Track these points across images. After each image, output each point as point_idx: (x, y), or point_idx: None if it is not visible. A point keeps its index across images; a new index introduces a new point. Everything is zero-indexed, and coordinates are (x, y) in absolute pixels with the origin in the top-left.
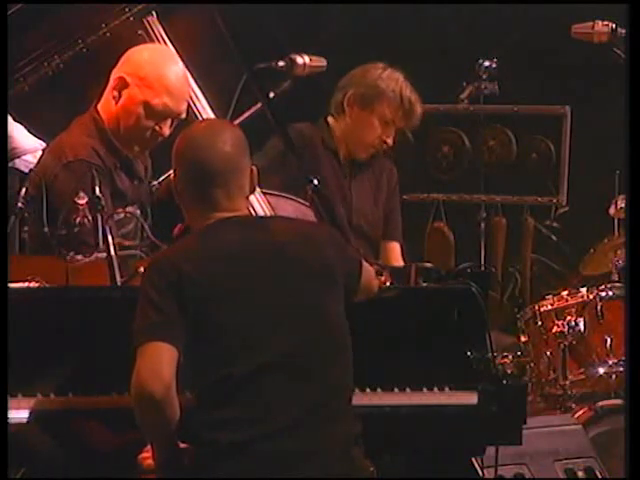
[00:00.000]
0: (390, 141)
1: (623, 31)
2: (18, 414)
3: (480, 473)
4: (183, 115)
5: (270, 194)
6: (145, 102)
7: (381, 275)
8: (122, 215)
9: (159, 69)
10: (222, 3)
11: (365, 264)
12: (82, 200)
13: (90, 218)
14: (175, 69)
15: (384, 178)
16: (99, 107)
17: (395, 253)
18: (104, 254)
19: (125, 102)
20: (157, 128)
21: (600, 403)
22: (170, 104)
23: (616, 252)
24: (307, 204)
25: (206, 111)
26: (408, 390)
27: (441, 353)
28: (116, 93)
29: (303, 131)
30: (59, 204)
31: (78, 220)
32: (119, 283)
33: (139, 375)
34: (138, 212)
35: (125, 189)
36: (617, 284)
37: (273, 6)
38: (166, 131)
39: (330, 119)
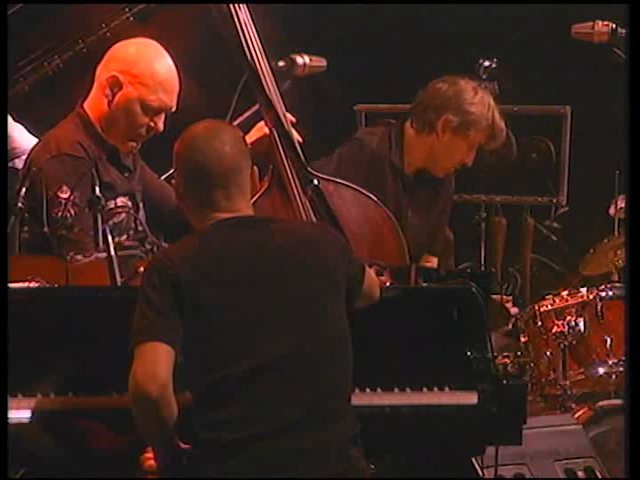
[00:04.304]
0: (471, 163)
1: (623, 31)
2: (18, 414)
3: (480, 473)
4: (174, 108)
5: (330, 180)
6: (141, 100)
7: (381, 275)
8: (112, 205)
9: (151, 65)
10: (222, 3)
11: (369, 270)
12: (64, 194)
13: (72, 212)
14: (165, 63)
15: (444, 193)
16: (86, 106)
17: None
18: (104, 254)
19: (120, 101)
20: (152, 124)
21: (600, 403)
22: (165, 99)
23: (616, 252)
24: (367, 193)
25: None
26: (408, 390)
27: (441, 353)
28: (109, 92)
29: (364, 142)
30: (43, 197)
31: (60, 214)
32: (119, 283)
33: (135, 375)
34: (129, 203)
35: (113, 180)
36: (617, 284)
37: (273, 6)
38: (161, 126)
39: (409, 129)
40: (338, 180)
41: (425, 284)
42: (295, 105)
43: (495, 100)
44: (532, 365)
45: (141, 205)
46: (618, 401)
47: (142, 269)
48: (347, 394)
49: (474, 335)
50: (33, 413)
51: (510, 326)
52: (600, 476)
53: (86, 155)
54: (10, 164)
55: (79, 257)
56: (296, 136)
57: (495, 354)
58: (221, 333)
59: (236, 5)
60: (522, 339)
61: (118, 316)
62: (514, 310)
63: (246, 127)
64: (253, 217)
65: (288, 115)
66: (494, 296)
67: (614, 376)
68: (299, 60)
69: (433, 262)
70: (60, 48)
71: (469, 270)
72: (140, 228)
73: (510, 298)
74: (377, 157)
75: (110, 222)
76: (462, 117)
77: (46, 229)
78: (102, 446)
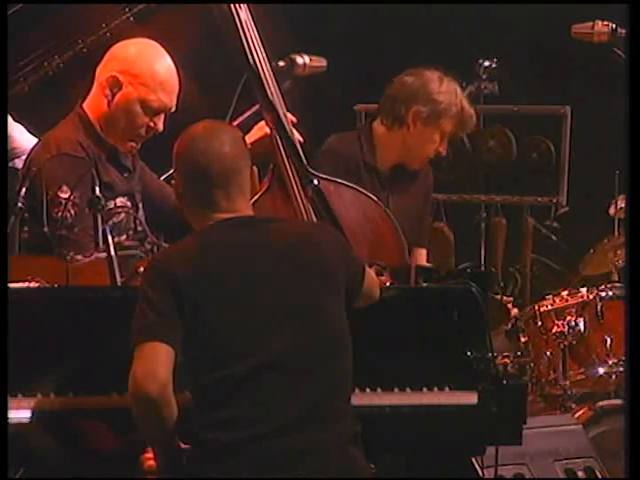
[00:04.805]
0: (444, 151)
1: (623, 31)
2: (18, 414)
3: (480, 473)
4: (174, 108)
5: (331, 180)
6: (141, 100)
7: (381, 275)
8: (112, 205)
9: (151, 65)
10: (222, 3)
11: (369, 270)
12: (64, 194)
13: (72, 212)
14: (165, 63)
15: (422, 184)
16: (85, 106)
17: (422, 260)
18: (104, 254)
19: (120, 101)
20: (152, 124)
21: (600, 403)
22: (165, 100)
23: (616, 252)
24: (367, 193)
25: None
26: (408, 390)
27: (441, 353)
28: (109, 92)
29: (335, 149)
30: (43, 197)
31: (60, 214)
32: (119, 283)
33: (135, 375)
34: (129, 204)
35: (112, 181)
36: (617, 284)
37: (273, 6)
38: (160, 126)
39: (379, 127)
40: (338, 180)
41: (425, 284)
42: (295, 105)
43: (460, 90)
44: (532, 365)
45: (140, 205)
46: (618, 401)
47: (142, 269)
48: (347, 394)
49: (474, 335)
50: (33, 413)
51: (509, 326)
52: (600, 476)
53: (86, 155)
54: (10, 164)
55: (79, 257)
56: (297, 136)
57: (495, 354)
58: (221, 333)
59: (237, 5)
60: (522, 339)
61: (118, 316)
62: (514, 311)
63: (246, 127)
64: (253, 217)
65: (289, 115)
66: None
67: (614, 376)
68: (299, 60)
69: (422, 254)
70: (60, 48)
71: (469, 270)
72: (140, 228)
73: (511, 299)
74: (350, 161)
75: (110, 222)
76: (431, 107)
77: (46, 229)
78: (102, 446)
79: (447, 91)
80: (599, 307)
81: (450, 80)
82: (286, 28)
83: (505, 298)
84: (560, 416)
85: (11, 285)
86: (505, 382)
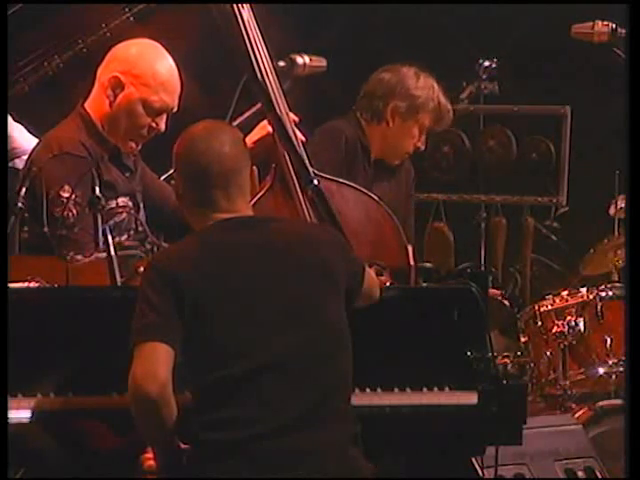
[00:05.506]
0: (423, 146)
1: (623, 31)
2: (18, 414)
3: (480, 473)
4: (175, 108)
5: (333, 180)
6: (143, 100)
7: (381, 275)
8: (113, 205)
9: (152, 65)
10: (222, 3)
11: (369, 270)
12: (66, 193)
13: (74, 211)
14: (167, 63)
15: (403, 179)
16: (87, 106)
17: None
18: (104, 254)
19: (122, 101)
20: (154, 124)
21: (600, 403)
22: (167, 100)
23: (616, 252)
24: (369, 193)
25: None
26: (408, 390)
27: (441, 353)
28: (110, 93)
29: (337, 127)
30: (43, 197)
31: (61, 213)
32: (119, 283)
33: (135, 375)
34: (130, 203)
35: (114, 180)
36: (617, 284)
37: (273, 6)
38: (162, 126)
39: (362, 122)
40: (341, 180)
41: (425, 284)
42: (295, 105)
43: (437, 85)
44: (532, 365)
45: (141, 205)
46: (618, 401)
47: (142, 269)
48: (347, 394)
49: (474, 335)
50: (33, 413)
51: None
52: (600, 476)
53: (88, 155)
54: (10, 164)
55: (79, 257)
56: (299, 135)
57: (495, 354)
58: (221, 333)
59: (239, 5)
60: (522, 339)
61: (118, 316)
62: (506, 302)
63: (246, 127)
64: (253, 217)
65: (291, 114)
66: (491, 290)
67: (614, 376)
68: (299, 60)
69: (408, 250)
70: (60, 48)
71: (469, 270)
72: (140, 228)
73: (501, 292)
74: (350, 140)
75: (111, 222)
76: (409, 102)
77: (46, 229)
78: (102, 446)
79: (424, 86)
80: (599, 307)
81: (427, 75)
82: (286, 28)
83: (494, 291)
84: (560, 416)
85: (11, 285)
86: (505, 382)
